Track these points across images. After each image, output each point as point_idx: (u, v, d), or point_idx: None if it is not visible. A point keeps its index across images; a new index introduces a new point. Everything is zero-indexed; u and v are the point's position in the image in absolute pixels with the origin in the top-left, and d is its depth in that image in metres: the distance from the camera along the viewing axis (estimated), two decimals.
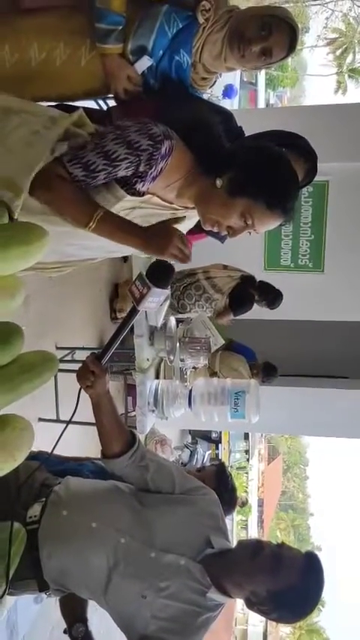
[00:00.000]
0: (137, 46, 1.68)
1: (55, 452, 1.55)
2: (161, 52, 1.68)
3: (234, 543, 1.53)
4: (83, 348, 3.93)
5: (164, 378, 2.94)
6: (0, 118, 1.34)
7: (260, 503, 27.22)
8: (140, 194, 1.35)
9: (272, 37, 1.65)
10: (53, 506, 1.49)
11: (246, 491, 21.09)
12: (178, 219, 1.51)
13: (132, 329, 2.44)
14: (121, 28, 1.63)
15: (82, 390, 1.49)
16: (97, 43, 1.65)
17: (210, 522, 1.50)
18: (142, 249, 1.33)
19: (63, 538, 1.45)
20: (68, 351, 3.78)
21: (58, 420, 3.31)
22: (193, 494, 1.54)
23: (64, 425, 1.49)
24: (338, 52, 22.92)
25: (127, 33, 1.66)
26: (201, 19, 1.68)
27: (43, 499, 1.51)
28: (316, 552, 1.48)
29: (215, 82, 1.97)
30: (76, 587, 1.49)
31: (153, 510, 1.48)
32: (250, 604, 1.44)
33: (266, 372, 3.95)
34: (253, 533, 25.90)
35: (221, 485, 1.82)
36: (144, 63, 1.69)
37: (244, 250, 4.17)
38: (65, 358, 3.67)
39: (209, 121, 1.42)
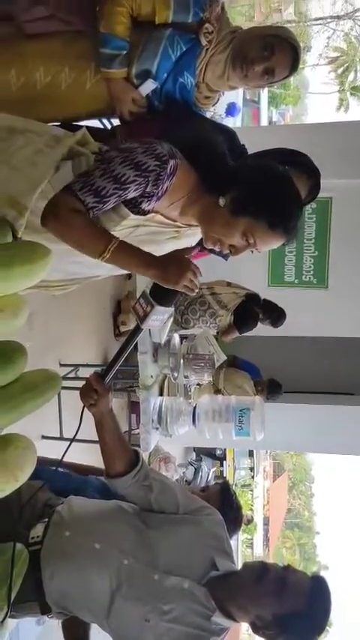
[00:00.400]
0: (141, 70, 1.70)
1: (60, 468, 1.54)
2: (165, 74, 1.71)
3: (239, 564, 1.51)
4: (87, 365, 3.92)
5: (168, 395, 2.93)
6: (4, 137, 1.35)
7: (266, 522, 26.91)
8: (144, 213, 1.35)
9: (275, 57, 1.67)
10: (56, 527, 1.47)
11: (251, 509, 20.87)
12: (180, 238, 1.51)
13: (136, 346, 2.44)
14: (125, 52, 1.66)
15: (86, 408, 1.49)
16: (102, 68, 1.68)
17: (214, 544, 1.48)
18: (158, 280, 1.32)
19: (65, 559, 1.43)
20: (72, 368, 3.77)
21: (61, 438, 3.30)
22: (197, 514, 1.52)
23: (68, 442, 1.48)
24: (340, 71, 23.14)
25: (131, 57, 1.68)
26: (204, 42, 1.70)
27: (46, 519, 1.49)
28: (323, 571, 1.46)
29: (218, 100, 1.99)
30: (79, 609, 1.46)
31: (156, 531, 1.46)
32: (256, 628, 1.41)
33: (271, 389, 3.93)
34: (259, 551, 25.58)
35: (226, 504, 1.80)
36: (148, 86, 1.72)
37: (248, 266, 4.18)
38: (69, 375, 3.66)
39: (213, 140, 1.43)
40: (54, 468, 1.57)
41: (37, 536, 1.45)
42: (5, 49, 1.71)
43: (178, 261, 1.30)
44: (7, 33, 1.72)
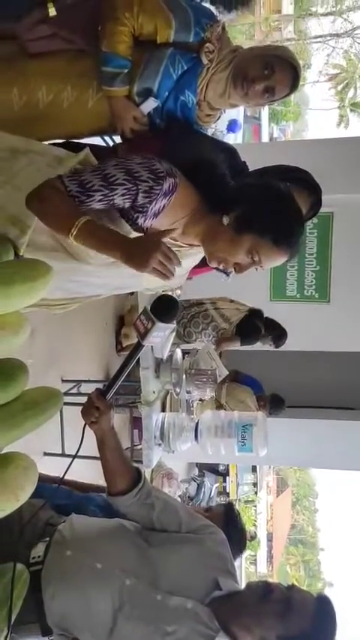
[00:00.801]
0: (143, 89, 1.72)
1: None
2: (167, 93, 1.73)
3: (243, 581, 1.48)
4: (89, 381, 3.91)
5: (170, 411, 2.92)
6: (7, 157, 1.36)
7: (269, 537, 26.60)
8: (144, 230, 1.35)
9: (275, 75, 1.70)
10: (57, 547, 1.45)
11: (254, 525, 20.66)
12: (181, 257, 1.51)
13: (138, 361, 2.43)
14: (126, 71, 1.67)
15: (87, 425, 1.48)
16: (104, 86, 1.69)
17: (218, 563, 1.46)
18: (123, 261, 1.25)
19: (67, 579, 1.41)
20: (74, 384, 3.76)
21: (63, 455, 3.28)
22: (200, 533, 1.50)
23: (70, 459, 1.47)
24: (340, 87, 23.38)
25: (132, 76, 1.70)
26: (205, 60, 1.72)
27: (47, 539, 1.47)
28: (328, 588, 1.44)
29: (219, 117, 2.01)
30: (80, 631, 1.43)
31: (159, 550, 1.44)
32: None
33: (274, 404, 3.91)
34: (263, 569, 25.27)
35: (230, 525, 1.77)
36: (150, 104, 1.73)
37: (250, 281, 4.16)
38: (71, 391, 3.65)
39: (214, 161, 1.44)
40: (55, 485, 1.55)
41: (38, 556, 1.44)
42: (8, 67, 1.72)
43: (147, 242, 1.23)
44: (10, 52, 1.75)
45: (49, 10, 1.68)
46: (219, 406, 3.54)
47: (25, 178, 1.31)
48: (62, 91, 1.72)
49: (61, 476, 1.51)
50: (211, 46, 1.71)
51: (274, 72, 1.70)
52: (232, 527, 1.75)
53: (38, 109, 1.73)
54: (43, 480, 1.61)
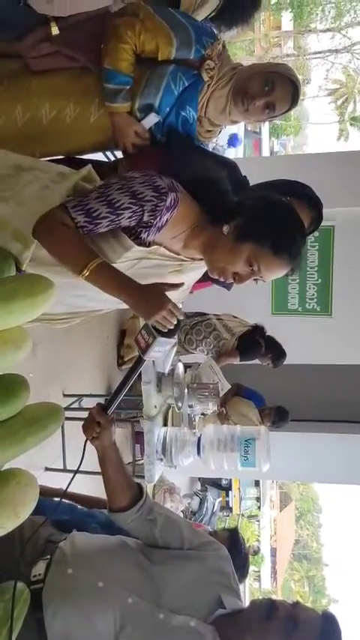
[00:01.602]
0: (145, 104, 1.74)
1: (63, 500, 1.51)
2: (168, 108, 1.75)
3: (247, 598, 1.46)
4: (90, 395, 3.90)
5: (172, 425, 2.90)
6: (11, 174, 1.37)
7: (273, 553, 26.32)
8: (147, 244, 1.36)
9: (275, 92, 1.72)
10: (58, 565, 1.43)
11: (258, 540, 20.46)
12: (182, 271, 1.51)
13: (139, 375, 2.42)
14: (128, 87, 1.69)
15: (88, 441, 1.47)
16: (106, 102, 1.71)
17: (221, 580, 1.44)
18: (130, 307, 1.28)
19: (68, 598, 1.39)
20: (75, 399, 3.75)
21: (65, 470, 3.26)
22: (202, 549, 1.48)
23: (71, 474, 1.46)
24: (339, 102, 23.60)
25: (134, 92, 1.72)
26: (206, 77, 1.74)
27: (48, 556, 1.45)
28: (333, 605, 1.41)
29: (220, 132, 2.03)
30: None
31: (161, 567, 1.42)
32: None
33: (279, 415, 3.89)
34: (267, 584, 24.98)
35: (233, 551, 1.70)
36: (151, 120, 1.75)
37: (252, 294, 4.19)
38: (72, 406, 3.64)
39: (216, 177, 1.45)
40: (57, 499, 1.54)
41: (39, 574, 1.41)
42: (12, 85, 1.75)
43: (156, 296, 1.26)
44: (13, 69, 1.77)
45: (52, 29, 1.70)
46: (219, 414, 3.53)
47: (29, 194, 1.32)
48: (65, 107, 1.74)
49: (63, 492, 1.50)
50: (212, 63, 1.73)
51: (274, 88, 1.72)
52: (236, 554, 1.69)
53: (42, 125, 1.75)
54: (46, 493, 1.60)
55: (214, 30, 1.92)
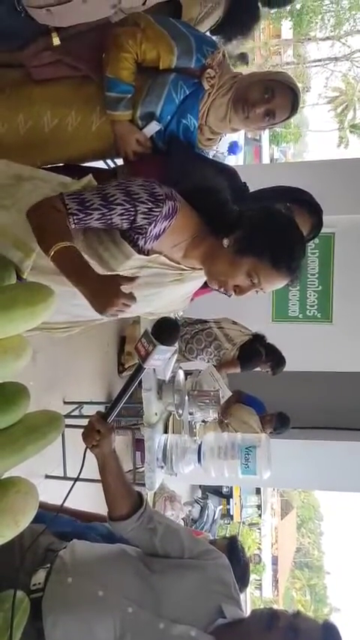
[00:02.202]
0: (146, 113, 1.75)
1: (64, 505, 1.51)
2: (169, 117, 1.76)
3: (248, 606, 1.45)
4: (91, 403, 3.90)
5: (173, 433, 2.89)
6: (12, 183, 1.39)
7: (274, 561, 26.17)
8: (146, 253, 1.36)
9: (275, 99, 1.73)
10: (58, 573, 1.42)
11: (259, 548, 20.37)
12: (183, 280, 1.51)
13: (140, 383, 2.41)
14: (130, 96, 1.71)
15: (88, 449, 1.47)
16: (108, 110, 1.72)
17: (221, 589, 1.43)
18: (86, 298, 1.24)
19: (68, 607, 1.38)
20: (76, 406, 3.75)
21: (65, 478, 3.25)
22: (203, 558, 1.47)
23: (72, 482, 1.45)
24: (339, 109, 23.71)
25: (135, 100, 1.73)
26: (206, 86, 1.76)
27: (48, 565, 1.45)
28: (334, 613, 1.40)
29: (220, 139, 2.04)
30: None
31: (162, 577, 1.42)
32: None
33: (280, 422, 3.88)
34: (268, 593, 24.83)
35: (233, 560, 1.65)
36: (152, 127, 1.77)
37: (252, 302, 4.16)
38: (73, 413, 3.64)
39: (215, 184, 1.45)
40: (56, 513, 1.53)
41: (39, 583, 1.41)
42: (14, 94, 1.76)
43: (110, 291, 1.22)
44: (15, 78, 1.78)
45: (54, 40, 1.71)
46: (220, 422, 3.52)
47: (30, 203, 1.32)
48: (67, 115, 1.75)
49: (63, 499, 1.49)
50: (213, 71, 1.75)
51: (274, 96, 1.73)
52: (235, 563, 1.65)
53: (43, 134, 1.76)
54: (45, 508, 1.60)
55: (215, 40, 1.94)
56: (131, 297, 1.22)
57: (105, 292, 1.21)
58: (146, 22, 1.70)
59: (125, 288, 1.23)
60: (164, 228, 1.34)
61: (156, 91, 1.73)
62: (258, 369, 3.76)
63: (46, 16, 1.60)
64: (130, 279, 1.27)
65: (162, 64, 1.71)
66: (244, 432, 3.51)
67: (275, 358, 3.73)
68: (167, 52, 1.70)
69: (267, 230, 1.34)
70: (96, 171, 1.86)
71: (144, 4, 1.66)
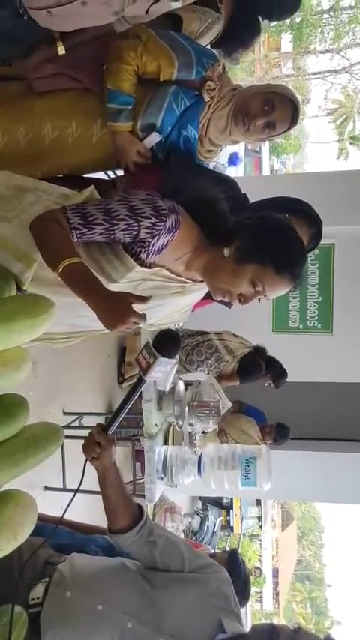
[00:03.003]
0: (146, 124, 1.76)
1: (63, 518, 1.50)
2: (169, 128, 1.77)
3: (249, 619, 1.43)
4: (91, 414, 3.89)
5: (173, 444, 2.88)
6: (15, 195, 1.39)
7: (275, 573, 25.95)
8: (148, 265, 1.36)
9: (275, 111, 1.75)
10: (57, 587, 1.41)
11: (260, 560, 20.20)
12: (184, 293, 1.51)
13: (140, 394, 2.40)
14: (130, 107, 1.71)
15: (88, 461, 1.46)
16: (109, 122, 1.73)
17: (222, 604, 1.41)
18: (97, 315, 1.24)
19: (67, 622, 1.37)
20: (76, 417, 3.74)
21: (64, 489, 3.23)
22: (203, 572, 1.46)
23: (71, 494, 1.44)
24: (339, 121, 23.87)
25: (136, 112, 1.74)
26: (207, 97, 1.77)
27: (47, 579, 1.43)
28: (336, 627, 1.38)
29: (220, 151, 2.05)
30: None
31: (162, 591, 1.40)
32: None
33: (280, 432, 3.87)
34: (269, 606, 24.60)
35: (233, 574, 1.63)
36: (153, 139, 1.77)
37: (252, 312, 4.17)
38: (73, 424, 3.62)
39: (214, 198, 1.46)
40: (55, 526, 1.51)
41: (38, 598, 1.39)
42: (15, 106, 1.77)
43: (121, 309, 1.22)
44: (17, 91, 1.80)
45: (59, 49, 1.72)
46: (221, 431, 3.50)
47: (32, 214, 1.33)
48: (67, 127, 1.76)
49: (63, 511, 1.48)
50: (213, 84, 1.76)
51: (274, 108, 1.75)
52: (235, 577, 1.62)
53: (44, 145, 1.77)
54: (44, 520, 1.58)
55: (215, 53, 1.95)
56: (142, 316, 1.22)
57: (116, 310, 1.21)
58: (147, 35, 1.71)
59: (137, 307, 1.23)
60: (167, 242, 1.34)
61: (156, 103, 1.74)
62: (259, 381, 3.75)
63: (47, 19, 1.60)
64: (143, 299, 1.27)
65: (162, 76, 1.73)
66: (243, 443, 3.51)
67: (276, 371, 3.72)
68: (168, 65, 1.71)
69: (268, 237, 1.34)
70: (96, 182, 1.87)
71: (147, 13, 1.67)
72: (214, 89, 1.77)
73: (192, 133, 1.80)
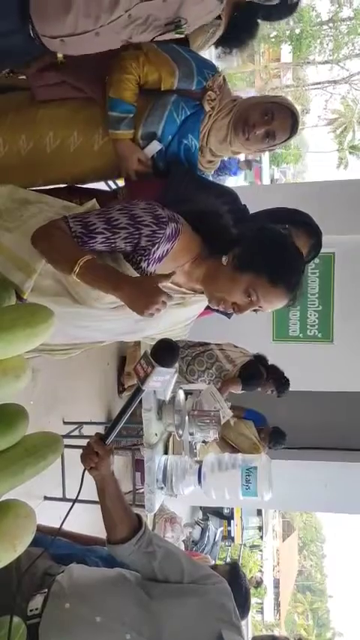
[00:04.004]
0: (147, 132, 1.78)
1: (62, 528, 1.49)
2: (170, 137, 1.78)
3: (249, 633, 1.42)
4: (90, 423, 3.88)
5: (173, 453, 2.87)
6: (18, 207, 1.41)
7: (276, 584, 25.75)
8: (148, 275, 1.36)
9: (275, 121, 1.76)
10: (55, 599, 1.40)
11: (260, 571, 20.06)
12: (186, 304, 1.51)
13: (140, 403, 2.39)
14: (132, 115, 1.74)
15: (87, 471, 1.45)
16: (110, 129, 1.75)
17: (221, 615, 1.40)
18: (125, 302, 1.26)
19: (65, 634, 1.36)
20: (75, 426, 3.73)
21: (64, 499, 3.22)
22: (203, 583, 1.45)
23: (70, 503, 1.43)
24: (338, 131, 24.01)
25: (137, 120, 1.76)
26: (207, 107, 1.79)
27: (45, 590, 1.42)
28: (338, 638, 1.36)
29: (219, 162, 2.06)
30: None
31: (161, 602, 1.39)
32: None
33: (275, 437, 3.87)
34: (269, 617, 24.40)
35: (234, 587, 1.61)
36: (154, 147, 1.79)
37: (253, 322, 4.16)
38: (72, 433, 3.62)
39: (215, 208, 1.47)
40: (53, 537, 1.51)
41: (36, 609, 1.38)
42: (17, 115, 1.79)
43: (148, 291, 1.24)
44: (20, 100, 1.82)
45: (59, 57, 1.74)
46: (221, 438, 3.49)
47: (34, 225, 1.34)
48: (69, 136, 1.78)
49: (62, 521, 1.47)
50: (213, 94, 1.78)
51: (274, 118, 1.76)
52: (236, 590, 1.59)
53: (45, 154, 1.79)
54: (43, 531, 1.57)
55: (215, 63, 1.97)
56: (168, 294, 1.25)
57: (144, 294, 1.23)
58: (148, 47, 1.74)
59: (162, 286, 1.25)
60: (167, 251, 1.34)
61: (157, 112, 1.76)
62: (260, 390, 3.74)
63: (60, 46, 1.64)
64: (167, 276, 1.29)
65: (163, 85, 1.75)
66: (241, 444, 3.51)
67: (277, 378, 3.72)
68: (169, 75, 1.73)
69: (265, 247, 1.34)
70: (97, 194, 1.88)
71: (152, 40, 1.71)
72: (215, 99, 1.79)
73: (192, 142, 1.82)
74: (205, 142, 1.85)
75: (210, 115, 1.80)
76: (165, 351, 1.32)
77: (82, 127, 1.78)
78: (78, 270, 1.24)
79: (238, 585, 1.76)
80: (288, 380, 3.73)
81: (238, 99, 1.85)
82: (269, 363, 3.75)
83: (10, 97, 1.86)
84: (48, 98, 1.79)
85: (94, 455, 1.43)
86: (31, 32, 1.60)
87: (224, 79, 1.84)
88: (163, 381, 1.33)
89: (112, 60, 1.74)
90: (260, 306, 1.35)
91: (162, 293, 1.24)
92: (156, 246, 1.32)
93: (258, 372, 3.61)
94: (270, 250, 1.34)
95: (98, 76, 1.77)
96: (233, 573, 1.84)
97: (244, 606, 1.76)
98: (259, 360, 3.69)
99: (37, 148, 1.78)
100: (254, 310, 1.37)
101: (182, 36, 1.71)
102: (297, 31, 20.55)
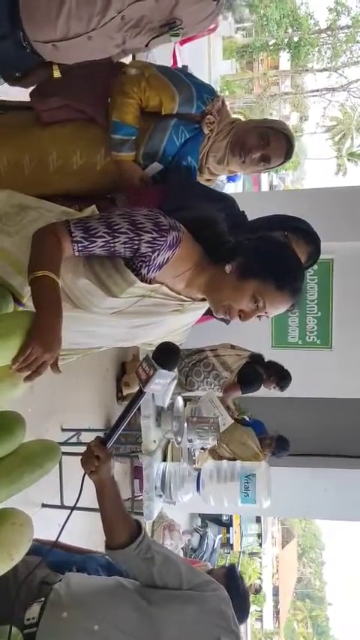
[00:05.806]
0: (148, 154, 1.82)
1: (60, 539, 1.48)
2: (170, 158, 1.83)
3: None
4: (89, 430, 3.87)
5: (172, 460, 2.86)
6: (17, 212, 1.42)
7: (275, 592, 25.64)
8: (148, 281, 1.37)
9: (270, 146, 1.83)
10: (53, 607, 1.39)
11: (260, 578, 19.99)
12: (183, 312, 1.52)
13: (139, 409, 2.39)
14: (134, 138, 1.78)
15: (87, 475, 1.44)
16: (112, 152, 1.79)
17: (220, 622, 1.40)
18: (34, 328, 1.17)
19: None
20: (74, 433, 3.72)
21: (62, 506, 3.20)
22: (202, 590, 1.44)
23: (69, 511, 1.42)
24: (337, 138, 24.14)
25: (138, 142, 1.80)
26: (206, 130, 1.85)
27: (42, 599, 1.42)
28: None
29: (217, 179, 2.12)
30: None
31: (160, 609, 1.38)
32: None
33: (279, 445, 3.84)
34: (269, 625, 24.29)
35: (231, 590, 1.58)
36: (154, 168, 1.83)
37: (251, 328, 4.13)
38: (71, 440, 3.60)
39: (214, 215, 1.48)
40: (50, 547, 1.50)
41: (33, 618, 1.37)
42: (21, 135, 1.83)
43: (52, 341, 1.17)
44: (24, 120, 1.86)
45: (54, 72, 1.77)
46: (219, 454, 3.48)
47: (33, 229, 1.34)
48: (72, 156, 1.81)
49: (60, 528, 1.46)
50: (212, 117, 1.84)
51: (269, 143, 1.83)
52: (233, 593, 1.56)
53: (48, 173, 1.82)
54: (41, 541, 1.57)
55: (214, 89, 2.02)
56: (56, 369, 1.18)
57: (46, 342, 1.16)
58: (150, 72, 1.79)
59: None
60: (167, 258, 1.35)
61: (158, 135, 1.81)
62: (262, 392, 3.72)
63: (52, 52, 1.65)
64: (55, 366, 1.20)
65: (164, 110, 1.79)
66: (242, 453, 3.49)
67: (277, 373, 3.69)
68: (169, 100, 1.78)
69: (268, 253, 1.37)
70: (95, 199, 1.89)
71: (146, 46, 1.74)
72: (213, 122, 1.84)
73: (192, 163, 1.87)
74: (204, 162, 1.91)
75: (209, 138, 1.86)
76: (167, 354, 1.32)
77: (85, 148, 1.82)
78: (31, 279, 1.21)
79: (235, 587, 1.75)
80: (288, 372, 3.70)
81: (236, 121, 1.91)
82: (265, 360, 3.72)
83: (14, 117, 1.91)
84: (52, 120, 1.83)
85: (94, 458, 1.42)
86: (21, 39, 1.60)
87: (223, 102, 1.89)
88: (164, 384, 1.34)
89: (113, 83, 1.79)
90: (266, 312, 1.36)
91: (55, 352, 1.16)
92: (156, 253, 1.32)
93: (256, 374, 3.60)
94: (274, 257, 1.36)
95: (100, 98, 1.81)
96: (230, 576, 1.83)
97: (242, 609, 1.75)
98: (255, 360, 3.66)
99: (41, 167, 1.81)
100: (258, 316, 1.38)
101: (178, 38, 1.73)
102: (295, 38, 20.70)
